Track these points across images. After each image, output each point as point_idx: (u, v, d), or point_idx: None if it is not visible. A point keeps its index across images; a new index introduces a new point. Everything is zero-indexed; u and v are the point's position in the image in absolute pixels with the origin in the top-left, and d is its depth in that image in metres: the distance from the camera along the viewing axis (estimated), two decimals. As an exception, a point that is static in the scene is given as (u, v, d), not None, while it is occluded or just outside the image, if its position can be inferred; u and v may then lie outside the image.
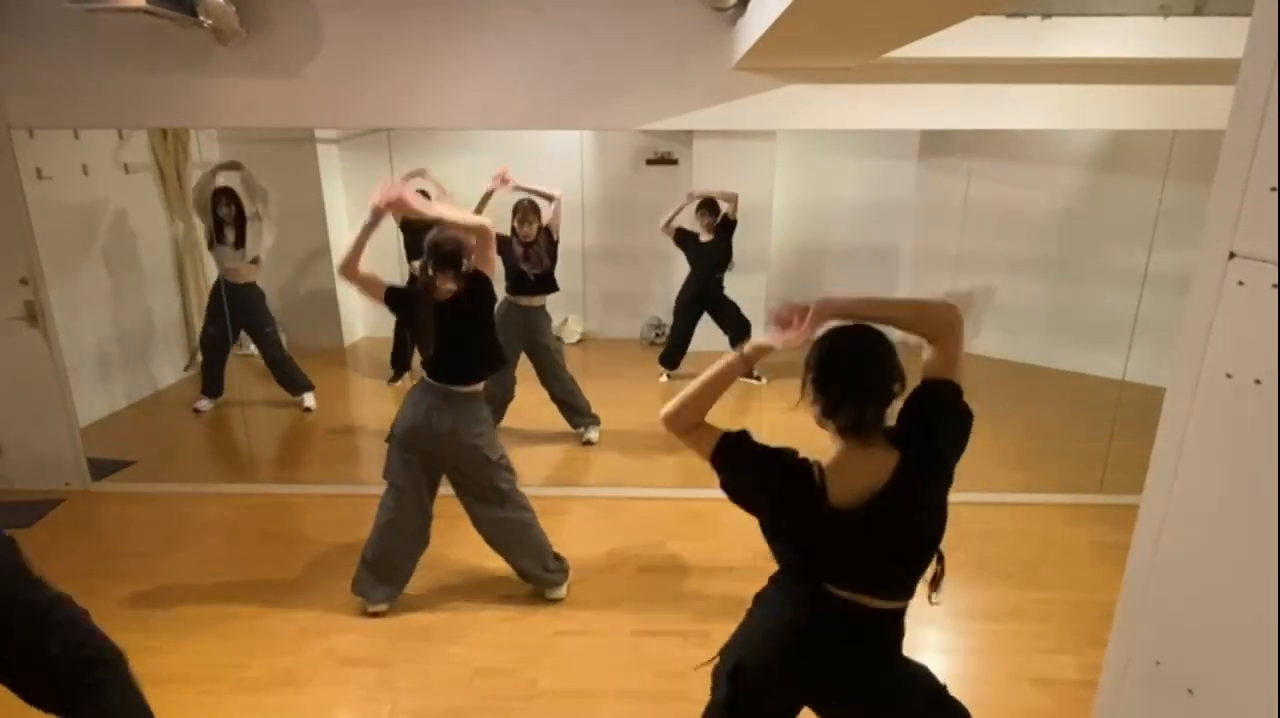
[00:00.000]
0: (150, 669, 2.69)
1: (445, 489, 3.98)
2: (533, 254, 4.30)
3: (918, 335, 1.52)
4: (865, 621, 1.51)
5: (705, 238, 5.01)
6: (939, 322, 1.50)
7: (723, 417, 1.52)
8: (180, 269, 5.28)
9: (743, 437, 1.53)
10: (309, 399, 5.04)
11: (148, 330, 5.19)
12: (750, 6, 2.89)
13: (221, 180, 4.55)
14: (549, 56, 3.33)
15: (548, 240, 4.37)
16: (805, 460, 1.48)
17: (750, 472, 1.51)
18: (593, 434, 4.58)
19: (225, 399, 5.00)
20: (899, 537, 1.48)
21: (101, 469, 4.11)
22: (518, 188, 4.25)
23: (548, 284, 4.44)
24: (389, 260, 4.97)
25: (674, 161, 5.99)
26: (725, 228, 4.96)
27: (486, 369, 2.90)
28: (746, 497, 1.52)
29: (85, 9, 2.95)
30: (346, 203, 5.95)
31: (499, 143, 5.64)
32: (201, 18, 3.03)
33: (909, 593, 1.54)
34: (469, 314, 2.78)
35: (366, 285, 2.75)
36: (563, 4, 3.26)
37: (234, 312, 4.73)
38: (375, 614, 2.99)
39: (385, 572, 2.99)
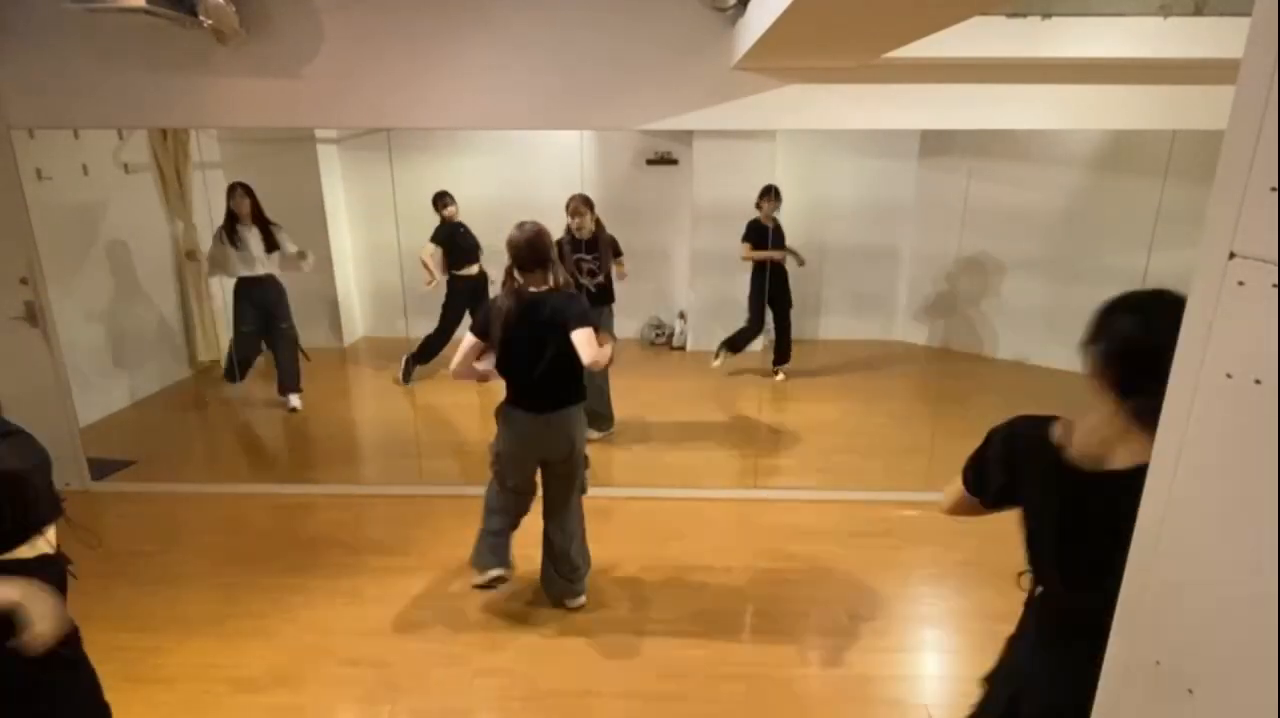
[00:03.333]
0: (150, 669, 2.71)
1: (444, 488, 4.00)
2: (584, 261, 4.09)
3: None
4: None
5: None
6: None
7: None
8: (180, 269, 5.28)
9: (973, 459, 1.48)
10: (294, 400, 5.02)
11: (148, 330, 5.19)
12: (750, 6, 2.89)
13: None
14: (549, 56, 3.32)
15: (599, 247, 4.13)
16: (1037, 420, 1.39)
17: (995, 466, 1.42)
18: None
19: (225, 400, 5.00)
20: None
21: (101, 469, 4.11)
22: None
23: (605, 296, 4.23)
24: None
25: (674, 161, 6.00)
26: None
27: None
28: (1007, 491, 1.43)
29: (85, 9, 2.95)
30: (346, 203, 5.95)
31: (499, 143, 5.65)
32: (201, 18, 3.03)
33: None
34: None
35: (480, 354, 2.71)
36: (563, 4, 3.26)
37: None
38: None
39: None
